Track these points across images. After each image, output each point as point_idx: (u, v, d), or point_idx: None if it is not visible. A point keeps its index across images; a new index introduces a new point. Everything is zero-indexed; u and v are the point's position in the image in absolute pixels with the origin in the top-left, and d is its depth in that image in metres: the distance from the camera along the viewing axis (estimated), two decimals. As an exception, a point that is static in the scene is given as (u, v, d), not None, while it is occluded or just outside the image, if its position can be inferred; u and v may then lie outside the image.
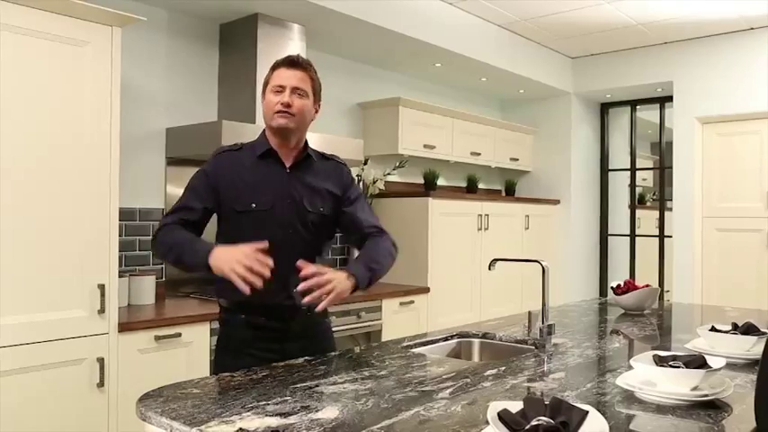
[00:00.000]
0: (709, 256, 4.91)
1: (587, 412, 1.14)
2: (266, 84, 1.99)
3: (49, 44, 2.37)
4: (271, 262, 1.73)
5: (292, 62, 1.96)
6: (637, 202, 5.96)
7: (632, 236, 5.77)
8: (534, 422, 1.08)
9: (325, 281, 1.77)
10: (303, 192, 1.98)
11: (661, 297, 5.47)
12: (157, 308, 2.97)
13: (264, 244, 1.76)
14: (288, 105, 1.90)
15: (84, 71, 2.47)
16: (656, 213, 5.60)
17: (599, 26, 4.63)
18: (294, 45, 3.62)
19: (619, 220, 5.92)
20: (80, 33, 2.44)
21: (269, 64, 3.31)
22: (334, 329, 3.24)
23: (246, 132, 2.91)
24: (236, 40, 3.55)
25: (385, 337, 3.50)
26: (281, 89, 1.92)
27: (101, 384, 2.46)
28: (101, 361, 2.47)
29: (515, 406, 1.18)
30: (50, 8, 2.36)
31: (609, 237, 5.93)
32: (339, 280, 1.82)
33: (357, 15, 3.61)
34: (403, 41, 4.04)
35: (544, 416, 1.12)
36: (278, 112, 1.91)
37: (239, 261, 1.71)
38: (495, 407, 1.16)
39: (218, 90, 3.62)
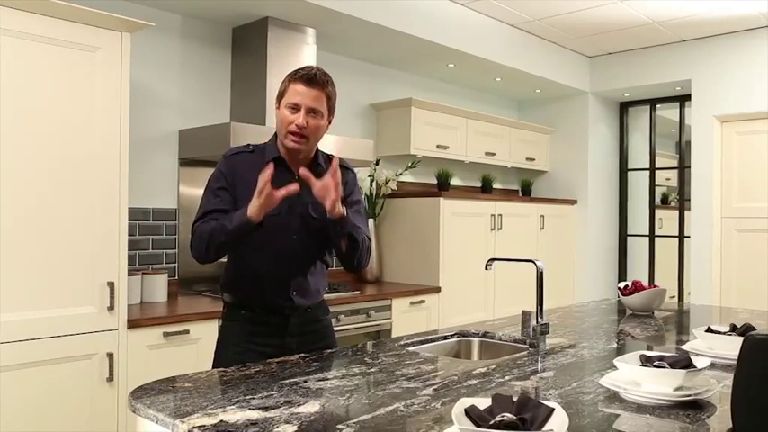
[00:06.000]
0: (727, 257, 4.83)
1: (553, 409, 1.16)
2: (281, 95, 1.96)
3: (60, 50, 2.46)
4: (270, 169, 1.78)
5: (309, 79, 1.92)
6: (660, 201, 5.89)
7: (651, 236, 5.71)
8: (498, 418, 1.11)
9: (336, 183, 1.82)
10: (309, 199, 1.96)
11: (681, 298, 5.43)
12: (169, 305, 3.04)
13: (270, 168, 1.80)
14: (302, 128, 1.91)
15: (94, 76, 2.55)
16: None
17: (614, 25, 4.59)
18: (305, 48, 3.67)
19: (641, 220, 5.85)
20: (91, 39, 2.53)
21: (279, 67, 3.45)
22: (343, 328, 3.37)
23: (255, 134, 2.97)
24: (248, 43, 3.62)
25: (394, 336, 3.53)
26: (295, 108, 1.91)
27: (110, 379, 2.55)
28: (110, 356, 2.55)
29: (485, 402, 1.21)
30: (61, 15, 2.45)
31: (628, 237, 5.86)
32: (339, 196, 1.86)
33: (368, 18, 3.64)
34: (415, 43, 4.06)
35: (510, 412, 1.14)
36: (291, 132, 1.92)
37: (259, 190, 1.78)
38: (462, 403, 1.18)
39: (230, 92, 3.69)
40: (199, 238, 1.93)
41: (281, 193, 1.79)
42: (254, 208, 1.80)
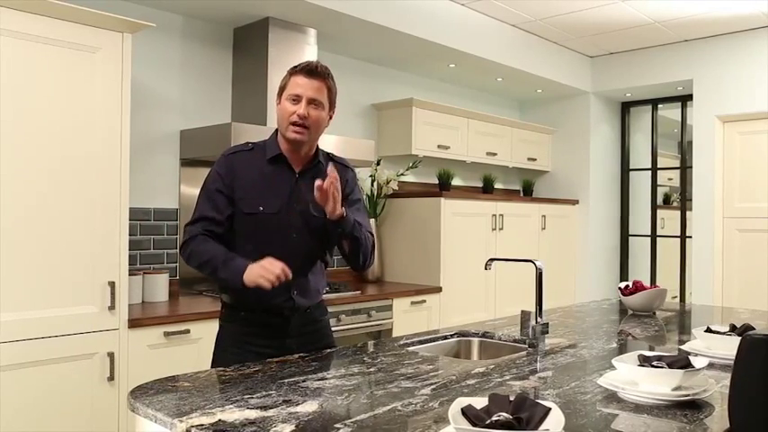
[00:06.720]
0: (729, 257, 4.82)
1: (550, 409, 1.16)
2: (282, 89, 1.97)
3: (61, 50, 2.47)
4: (289, 272, 1.84)
5: (310, 71, 1.93)
6: (662, 201, 5.88)
7: (653, 236, 5.70)
8: (494, 417, 1.11)
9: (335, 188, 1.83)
10: (310, 197, 1.96)
11: (683, 299, 5.42)
12: (170, 305, 3.05)
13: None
14: (303, 118, 1.91)
15: (95, 76, 2.56)
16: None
17: (616, 25, 4.58)
18: (307, 48, 3.67)
19: (642, 220, 5.85)
20: (91, 40, 2.54)
21: (281, 67, 3.45)
22: (344, 328, 3.38)
23: (256, 134, 2.96)
24: (249, 43, 3.62)
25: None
26: (297, 99, 1.92)
27: (111, 378, 2.55)
28: (111, 355, 2.56)
29: (482, 402, 1.21)
30: (62, 16, 2.46)
31: (630, 237, 5.86)
32: (339, 198, 1.86)
33: (369, 18, 3.64)
34: (416, 43, 4.06)
35: (507, 412, 1.14)
36: (293, 123, 1.91)
37: (265, 270, 1.82)
38: (459, 402, 1.18)
39: (231, 93, 3.70)
40: (193, 254, 1.96)
41: (278, 272, 1.81)
42: (250, 277, 1.83)
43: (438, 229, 4.19)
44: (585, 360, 1.95)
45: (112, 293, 2.58)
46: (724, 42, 4.77)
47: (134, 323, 2.64)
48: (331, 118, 2.03)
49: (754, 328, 1.96)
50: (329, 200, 1.83)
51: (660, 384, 1.48)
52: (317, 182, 1.82)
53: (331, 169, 1.83)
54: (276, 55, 3.52)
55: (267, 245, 1.96)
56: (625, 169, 5.86)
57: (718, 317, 3.00)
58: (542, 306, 2.21)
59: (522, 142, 5.33)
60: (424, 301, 4.00)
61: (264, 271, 1.81)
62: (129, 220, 2.69)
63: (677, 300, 5.33)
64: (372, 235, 2.07)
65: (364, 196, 4.14)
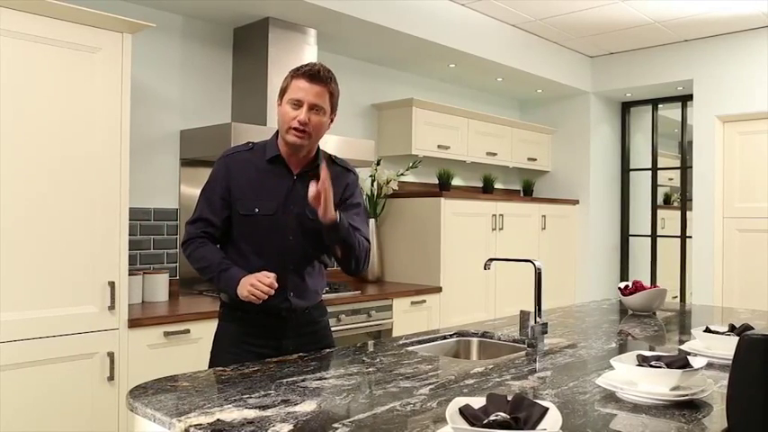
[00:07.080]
0: (729, 257, 4.82)
1: (547, 409, 1.16)
2: (283, 91, 1.95)
3: (61, 51, 2.47)
4: (275, 283, 1.88)
5: (312, 75, 1.91)
6: (662, 201, 5.88)
7: (653, 236, 5.70)
8: (492, 417, 1.11)
9: (327, 191, 1.83)
10: (306, 199, 1.95)
11: (683, 299, 5.42)
12: (170, 305, 3.05)
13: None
14: (304, 124, 1.89)
15: (95, 76, 2.56)
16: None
17: (616, 25, 4.59)
18: (307, 48, 3.68)
19: (643, 220, 5.85)
20: (91, 40, 2.54)
21: (281, 67, 3.46)
22: (344, 328, 3.38)
23: (256, 134, 2.96)
24: (249, 43, 3.63)
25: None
26: (298, 104, 1.90)
27: (111, 378, 2.56)
28: (111, 355, 2.56)
29: (479, 402, 1.21)
30: (62, 16, 2.46)
31: (630, 237, 5.86)
32: (331, 201, 1.86)
33: (369, 18, 3.65)
34: (416, 43, 4.06)
35: (504, 412, 1.14)
36: (293, 128, 1.90)
37: (254, 287, 1.87)
38: (457, 402, 1.18)
39: (231, 93, 3.70)
40: (192, 257, 2.02)
41: (266, 288, 1.86)
42: (242, 292, 1.88)
43: (438, 229, 4.19)
44: (584, 360, 1.95)
45: (112, 293, 2.58)
46: (724, 42, 4.77)
47: (134, 323, 2.64)
48: (332, 121, 2.01)
49: (753, 328, 1.96)
50: (320, 203, 1.83)
51: (658, 384, 1.48)
52: (312, 185, 1.82)
53: (324, 172, 1.82)
54: (276, 55, 3.52)
55: (264, 246, 1.97)
56: (625, 169, 5.86)
57: (718, 317, 3.00)
58: (541, 306, 2.21)
59: (522, 142, 5.33)
60: (424, 301, 4.00)
61: (253, 288, 1.86)
62: (129, 220, 2.69)
63: (677, 300, 5.33)
64: (368, 242, 2.06)
65: (364, 199, 4.14)
